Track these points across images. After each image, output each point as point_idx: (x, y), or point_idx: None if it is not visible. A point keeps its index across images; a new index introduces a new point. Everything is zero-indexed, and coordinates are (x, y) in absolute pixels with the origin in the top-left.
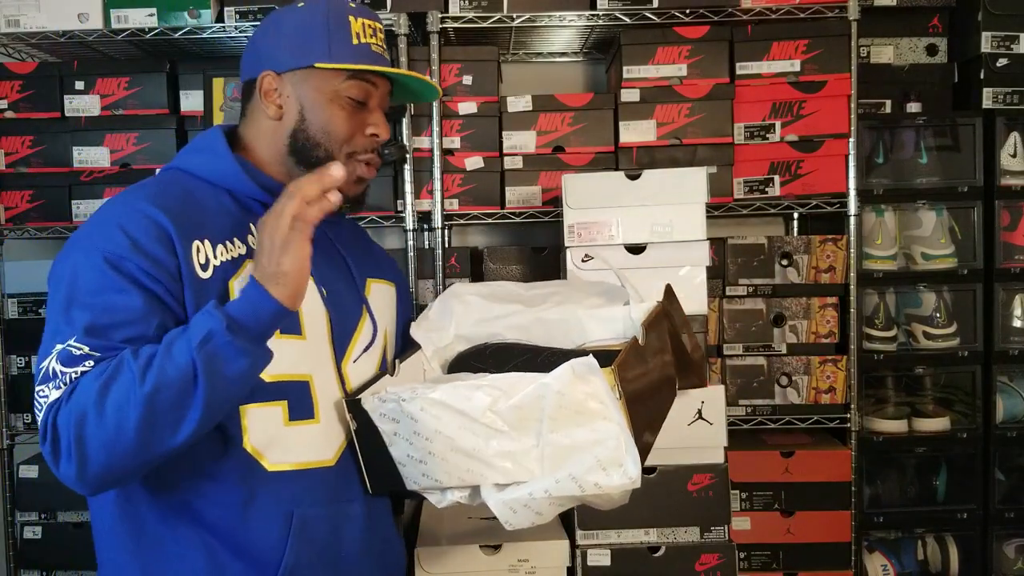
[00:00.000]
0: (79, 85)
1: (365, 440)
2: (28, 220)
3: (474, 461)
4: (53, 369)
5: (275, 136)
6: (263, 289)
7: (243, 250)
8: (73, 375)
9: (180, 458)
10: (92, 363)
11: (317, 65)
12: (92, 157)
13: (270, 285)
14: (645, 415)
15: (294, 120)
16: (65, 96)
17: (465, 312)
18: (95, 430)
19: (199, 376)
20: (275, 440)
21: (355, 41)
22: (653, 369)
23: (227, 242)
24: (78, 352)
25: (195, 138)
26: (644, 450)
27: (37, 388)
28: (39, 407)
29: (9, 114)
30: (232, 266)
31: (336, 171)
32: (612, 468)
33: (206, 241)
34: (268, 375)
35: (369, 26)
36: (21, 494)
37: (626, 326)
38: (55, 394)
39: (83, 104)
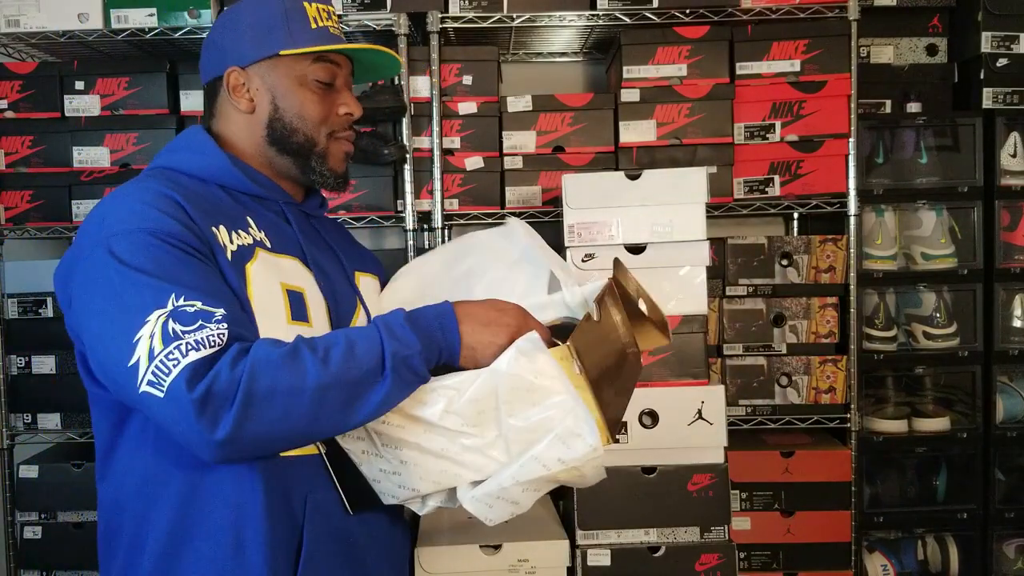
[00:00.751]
0: (79, 85)
1: (336, 463)
2: (28, 220)
3: (445, 461)
4: (173, 330)
5: (251, 129)
6: (458, 345)
7: (250, 240)
8: (213, 335)
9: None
10: (224, 323)
11: (282, 53)
12: (92, 157)
13: (466, 348)
14: (610, 388)
15: (267, 110)
16: (65, 96)
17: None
18: (265, 401)
19: (387, 379)
20: None
21: (313, 25)
22: (612, 343)
23: (235, 231)
24: (192, 308)
25: (176, 138)
26: (614, 422)
27: (157, 353)
28: (165, 369)
29: (9, 114)
30: (247, 252)
31: None
32: (571, 439)
33: (221, 227)
34: None
35: (324, 9)
36: (21, 494)
37: (562, 311)
38: (195, 355)
39: (83, 104)
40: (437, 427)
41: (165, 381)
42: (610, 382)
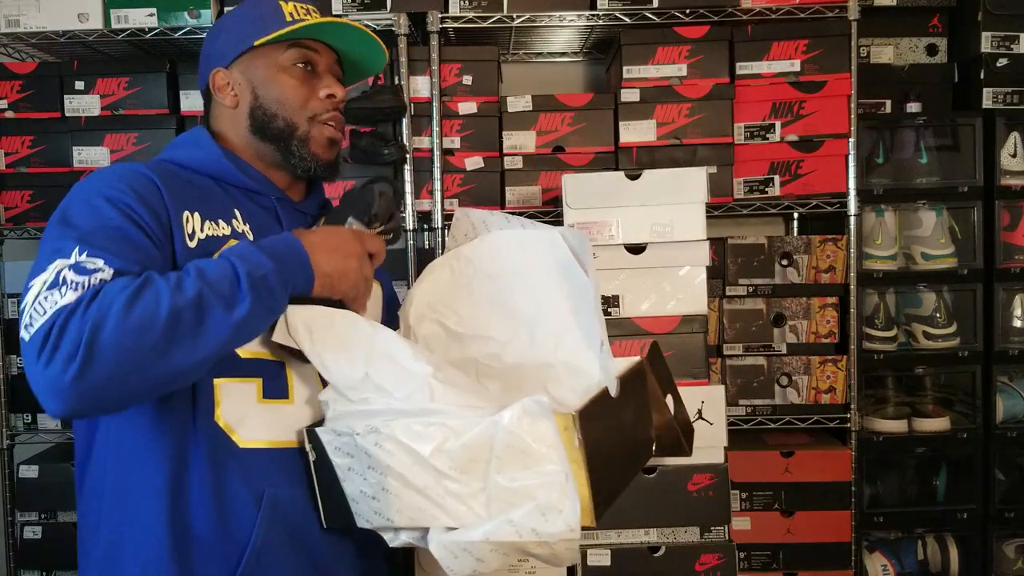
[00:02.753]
0: (79, 85)
1: (322, 472)
2: (28, 220)
3: (426, 500)
4: (63, 276)
5: (237, 122)
6: (312, 271)
7: (227, 231)
8: (91, 280)
9: (155, 430)
10: (112, 271)
11: (256, 43)
12: (92, 157)
13: (322, 277)
14: (609, 468)
15: (249, 101)
16: (65, 96)
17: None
18: (114, 334)
19: (245, 297)
20: (247, 416)
21: (288, 19)
22: (625, 425)
23: (214, 220)
24: (92, 266)
25: (177, 137)
26: (606, 502)
27: (39, 296)
28: (40, 311)
29: (9, 114)
30: (217, 242)
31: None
32: (551, 514)
33: (195, 214)
34: (245, 352)
35: (300, 7)
36: (21, 494)
37: (599, 377)
38: (70, 296)
39: (83, 104)
40: (426, 463)
41: (36, 322)
42: (611, 462)
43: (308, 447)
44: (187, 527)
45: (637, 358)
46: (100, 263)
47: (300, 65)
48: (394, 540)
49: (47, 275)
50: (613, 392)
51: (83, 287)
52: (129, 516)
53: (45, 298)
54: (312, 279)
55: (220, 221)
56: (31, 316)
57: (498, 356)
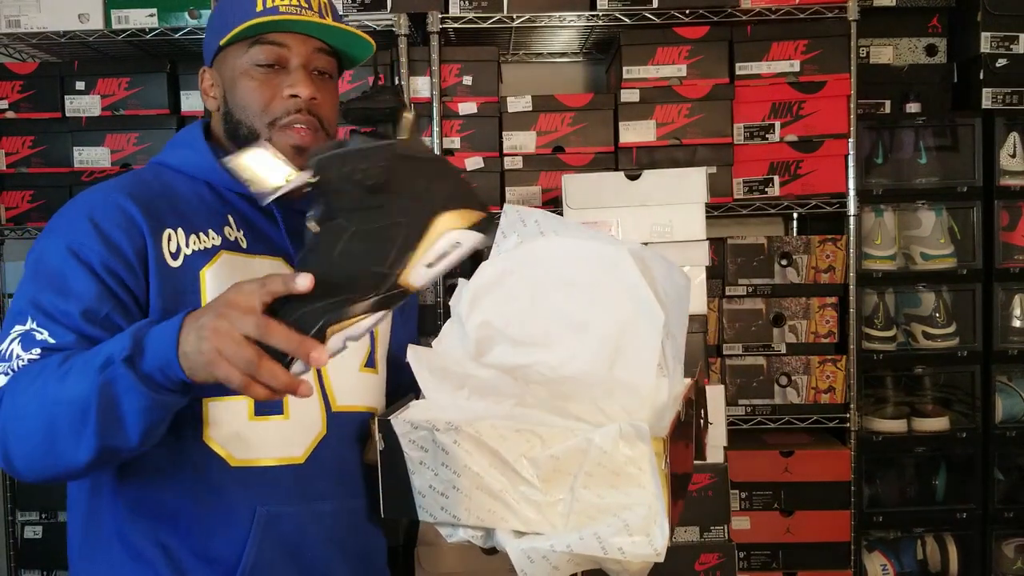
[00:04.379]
0: (80, 85)
1: (388, 463)
2: (28, 220)
3: (498, 503)
4: (10, 351)
5: (218, 125)
6: (175, 356)
7: (217, 241)
8: (20, 363)
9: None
10: (41, 350)
11: (220, 43)
12: (92, 157)
13: (183, 357)
14: (678, 488)
15: (221, 104)
16: (65, 96)
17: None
18: (12, 429)
19: (92, 401)
20: (239, 435)
21: (259, 7)
22: (682, 450)
23: (201, 233)
24: (39, 336)
25: (176, 134)
26: (672, 524)
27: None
28: None
29: (10, 114)
30: (204, 256)
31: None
32: (639, 536)
33: (179, 230)
34: None
35: None
36: (21, 493)
37: (659, 401)
38: (2, 380)
39: (83, 104)
40: (507, 467)
41: None
42: (679, 482)
43: (377, 436)
44: (179, 549)
45: (689, 380)
46: (46, 334)
47: (262, 65)
48: (452, 536)
49: (7, 343)
50: (683, 416)
51: (12, 371)
52: (121, 538)
53: None
54: (177, 365)
55: (210, 231)
56: None
57: (549, 364)
